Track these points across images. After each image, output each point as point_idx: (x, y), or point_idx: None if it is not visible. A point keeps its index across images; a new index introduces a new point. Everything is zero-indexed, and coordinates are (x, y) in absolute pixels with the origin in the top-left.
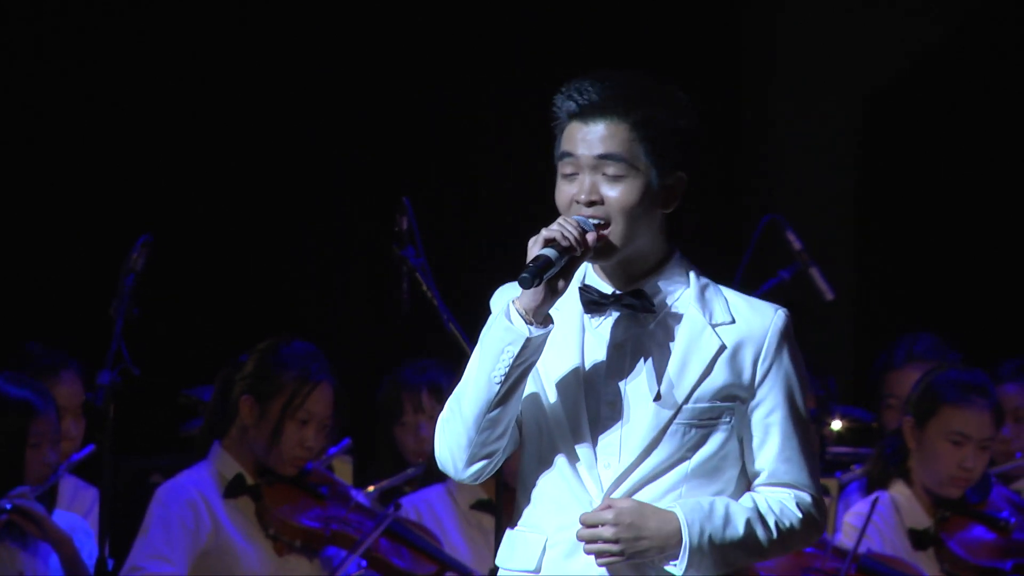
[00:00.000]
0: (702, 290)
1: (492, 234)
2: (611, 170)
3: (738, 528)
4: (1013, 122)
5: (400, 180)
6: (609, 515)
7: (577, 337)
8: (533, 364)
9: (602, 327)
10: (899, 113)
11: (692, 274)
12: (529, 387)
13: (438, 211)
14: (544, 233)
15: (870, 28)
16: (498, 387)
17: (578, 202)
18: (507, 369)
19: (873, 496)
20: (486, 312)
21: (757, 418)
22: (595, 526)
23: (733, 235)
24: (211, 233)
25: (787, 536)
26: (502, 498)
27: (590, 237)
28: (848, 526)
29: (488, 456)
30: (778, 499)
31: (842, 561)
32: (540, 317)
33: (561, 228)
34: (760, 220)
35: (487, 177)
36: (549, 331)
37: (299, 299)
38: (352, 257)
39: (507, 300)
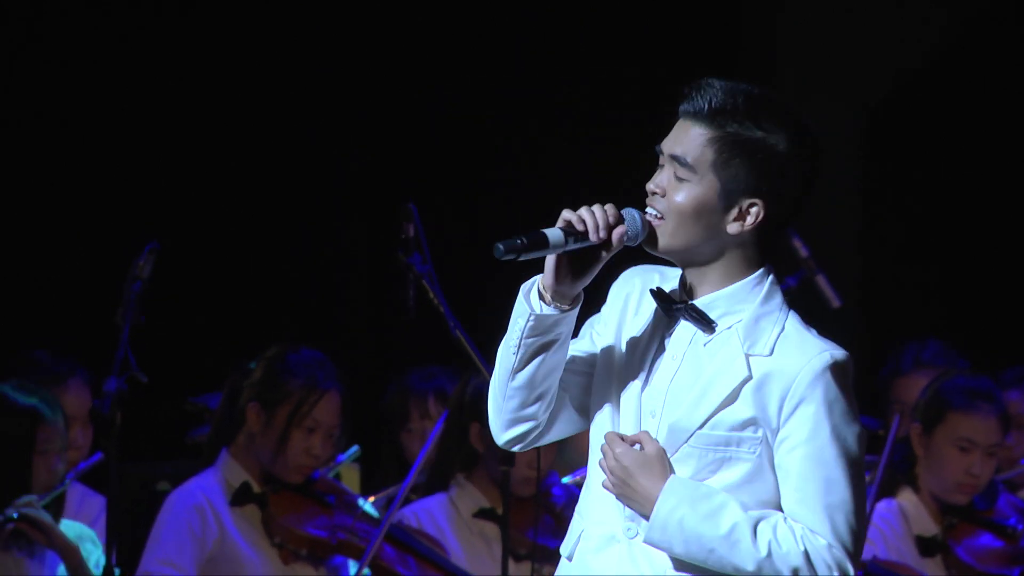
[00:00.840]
0: (758, 317)
1: (499, 240)
2: (679, 170)
3: (719, 526)
4: (1016, 129)
5: (406, 186)
6: (619, 448)
7: (654, 335)
8: (553, 342)
9: (673, 331)
10: (903, 120)
11: (761, 298)
12: (601, 378)
13: (444, 217)
14: (564, 213)
15: (872, 37)
16: (513, 356)
17: (648, 189)
18: (519, 340)
19: (879, 503)
20: (499, 316)
21: (779, 457)
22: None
23: None
24: (217, 240)
25: (780, 562)
26: (508, 509)
27: (617, 232)
28: None
29: (523, 422)
30: (789, 527)
31: None
32: (562, 297)
33: (584, 213)
34: None
35: (493, 183)
36: (567, 314)
37: (305, 306)
38: (358, 264)
39: (630, 282)
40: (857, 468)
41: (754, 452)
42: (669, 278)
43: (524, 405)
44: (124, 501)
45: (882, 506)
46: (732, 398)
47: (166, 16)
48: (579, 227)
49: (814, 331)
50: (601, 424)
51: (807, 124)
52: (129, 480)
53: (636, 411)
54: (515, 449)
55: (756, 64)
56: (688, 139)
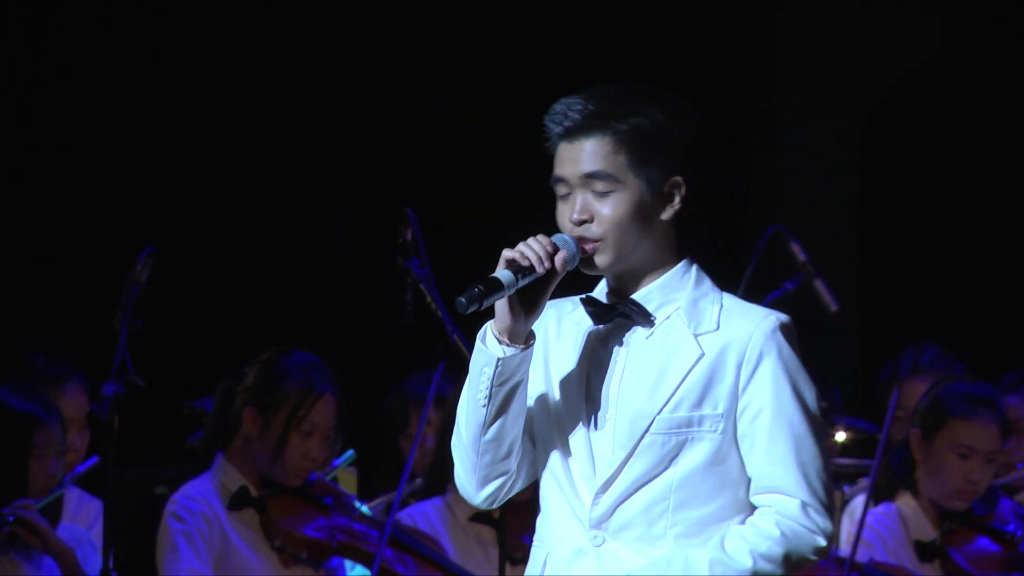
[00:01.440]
0: (696, 300)
1: (497, 245)
2: (599, 186)
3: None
4: (1015, 133)
5: (404, 191)
6: None
7: (583, 349)
8: (519, 383)
9: (605, 338)
10: (901, 124)
11: (692, 282)
12: (541, 400)
13: (442, 222)
14: (505, 253)
15: (871, 41)
16: (483, 410)
17: (571, 221)
18: (488, 391)
19: (873, 506)
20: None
21: (744, 424)
22: None
23: (737, 247)
24: (215, 244)
25: (767, 561)
26: (505, 513)
27: (559, 258)
28: (852, 537)
29: (499, 477)
30: (754, 525)
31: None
32: (516, 337)
33: (523, 249)
34: (764, 232)
35: (492, 187)
36: (527, 351)
37: (303, 310)
38: (356, 268)
39: (544, 315)
40: (818, 424)
41: (715, 429)
42: (578, 302)
43: (497, 459)
44: (121, 505)
45: (880, 510)
46: (689, 378)
47: (166, 19)
48: (524, 263)
49: (752, 304)
50: (548, 451)
51: (677, 95)
52: (126, 484)
53: (583, 423)
54: (492, 507)
55: (756, 68)
56: (592, 154)
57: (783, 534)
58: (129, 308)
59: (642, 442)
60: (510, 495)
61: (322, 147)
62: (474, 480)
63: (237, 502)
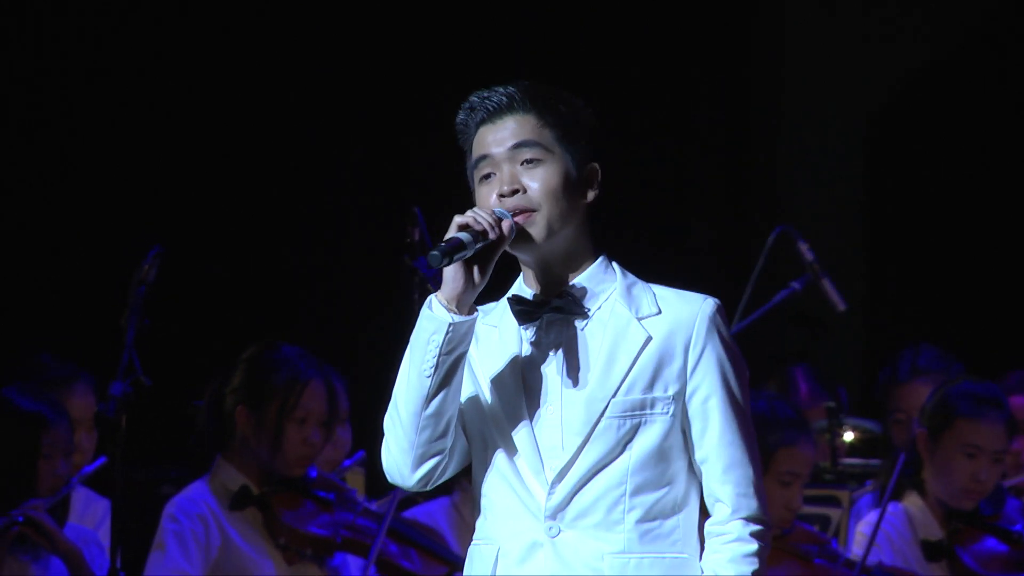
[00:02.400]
0: (629, 287)
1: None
2: (527, 154)
3: None
4: (1017, 136)
5: (412, 191)
6: None
7: (515, 347)
8: (462, 355)
9: (537, 335)
10: (905, 126)
11: (619, 273)
12: (471, 400)
13: (449, 222)
14: (457, 219)
15: (876, 44)
16: (428, 380)
17: (501, 195)
18: (435, 360)
19: (883, 506)
20: None
21: (695, 405)
22: None
23: (745, 246)
24: (222, 244)
25: (762, 571)
26: None
27: (506, 224)
28: (860, 536)
29: (434, 456)
30: (735, 557)
31: (851, 572)
32: (463, 307)
33: (475, 214)
34: (771, 231)
35: None
36: (474, 319)
37: (310, 310)
38: (364, 268)
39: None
40: (748, 400)
41: (667, 411)
42: (490, 308)
43: (434, 436)
44: (128, 505)
45: (888, 510)
46: (640, 361)
47: (168, 20)
48: (477, 227)
49: (679, 289)
50: (485, 451)
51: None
52: (133, 484)
53: (524, 417)
54: (424, 488)
55: (762, 68)
56: (521, 128)
57: (758, 544)
58: (136, 308)
59: (598, 426)
60: (443, 478)
61: (330, 147)
62: (410, 460)
63: (239, 502)
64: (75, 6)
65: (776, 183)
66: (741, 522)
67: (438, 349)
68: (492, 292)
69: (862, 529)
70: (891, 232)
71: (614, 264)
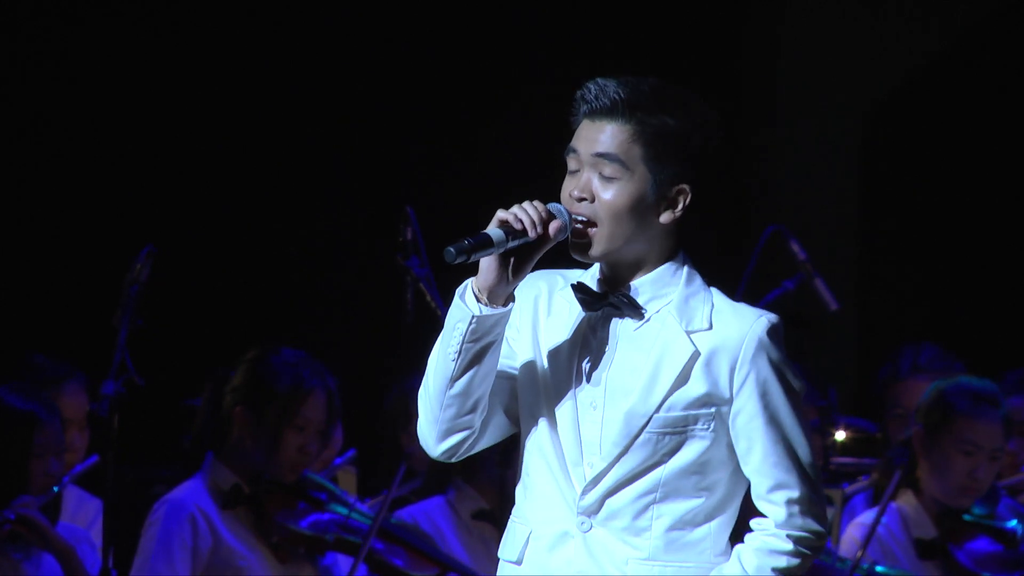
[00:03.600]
0: (688, 297)
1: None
2: (607, 170)
3: None
4: (1013, 134)
5: (404, 190)
6: None
7: (578, 330)
8: (492, 343)
9: (596, 325)
10: (900, 125)
11: (684, 279)
12: (528, 371)
13: (442, 221)
14: (499, 213)
15: (871, 42)
16: (452, 364)
17: (572, 196)
18: (459, 346)
19: (881, 508)
20: None
21: (740, 425)
22: None
23: (737, 246)
24: (214, 244)
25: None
26: (507, 511)
27: (553, 226)
28: (851, 537)
29: (459, 431)
30: (764, 548)
31: (844, 570)
32: (496, 298)
33: (517, 211)
34: (764, 231)
35: (492, 186)
36: (504, 312)
37: (303, 309)
38: (356, 267)
39: (535, 286)
40: (805, 421)
41: (708, 427)
42: (573, 278)
43: (461, 413)
44: (120, 505)
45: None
46: (684, 377)
47: (163, 18)
48: (517, 225)
49: (741, 303)
50: (534, 426)
51: (707, 105)
52: (126, 483)
53: (572, 407)
54: (451, 460)
55: (756, 67)
56: (610, 137)
57: (795, 546)
58: (129, 307)
59: (637, 440)
60: (470, 452)
61: (322, 146)
62: (435, 432)
63: (231, 500)
64: (69, 6)
65: (769, 182)
66: (785, 531)
67: (462, 337)
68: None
69: (854, 532)
70: (884, 232)
71: (684, 269)
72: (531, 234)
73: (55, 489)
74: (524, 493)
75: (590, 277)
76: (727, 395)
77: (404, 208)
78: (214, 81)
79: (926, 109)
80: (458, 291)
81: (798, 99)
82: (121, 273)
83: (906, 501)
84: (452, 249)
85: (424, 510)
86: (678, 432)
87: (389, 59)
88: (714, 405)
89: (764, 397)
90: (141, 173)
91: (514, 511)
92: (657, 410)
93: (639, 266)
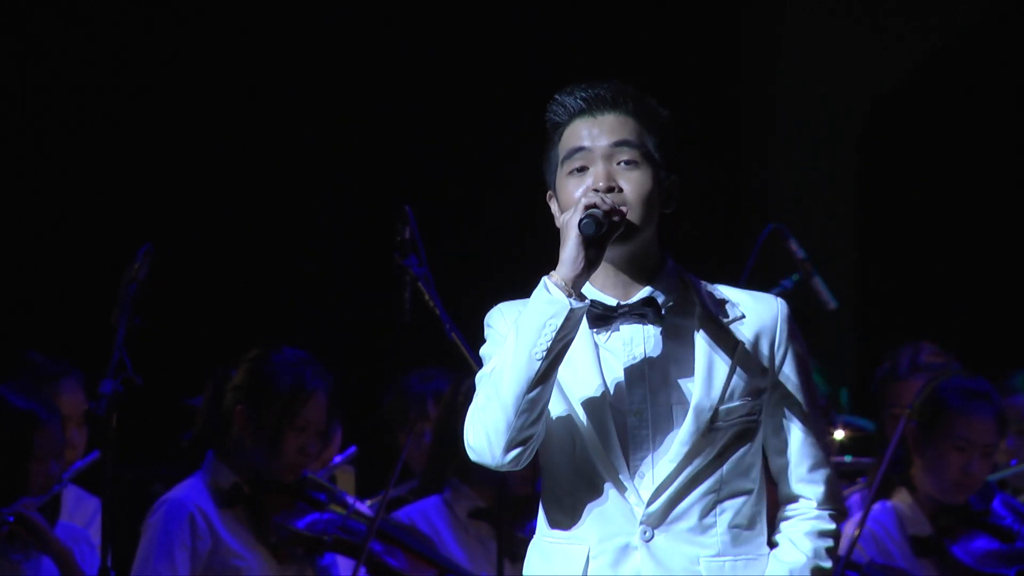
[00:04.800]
0: (706, 292)
1: (495, 243)
2: (627, 155)
3: None
4: (1013, 131)
5: (402, 189)
6: None
7: (591, 353)
8: (571, 341)
9: (611, 340)
10: (898, 124)
11: (691, 278)
12: (556, 404)
13: (440, 220)
14: (584, 200)
15: (869, 42)
16: (539, 363)
17: (596, 191)
18: (550, 343)
19: (868, 503)
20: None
21: (775, 403)
22: None
23: (735, 244)
24: (213, 242)
25: (836, 556)
26: (504, 509)
27: (621, 211)
28: (850, 535)
29: (525, 441)
30: (814, 530)
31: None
32: (578, 290)
33: (600, 198)
34: (762, 229)
35: (490, 185)
36: (587, 305)
37: (301, 308)
38: (354, 266)
39: (506, 317)
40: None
41: (760, 414)
42: None
43: (531, 420)
44: (119, 503)
45: (877, 507)
46: (735, 368)
47: (163, 19)
48: (604, 207)
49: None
50: (567, 445)
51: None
52: (124, 482)
53: (610, 420)
54: (515, 468)
55: (755, 64)
56: (622, 125)
57: (835, 526)
58: (127, 306)
59: (705, 436)
60: (528, 461)
61: (320, 145)
62: (504, 441)
63: (230, 500)
64: (69, 6)
65: (767, 181)
66: (826, 511)
67: (555, 332)
68: (516, 292)
69: (848, 530)
70: (882, 231)
71: (679, 266)
72: (616, 216)
73: (55, 488)
74: (565, 513)
75: (592, 291)
76: (771, 376)
77: (402, 207)
78: (214, 81)
79: (925, 108)
80: (540, 288)
81: (797, 98)
82: (119, 271)
83: (901, 499)
84: (589, 220)
85: (421, 510)
86: (738, 423)
87: (389, 59)
88: (764, 391)
89: (800, 376)
90: (140, 172)
91: (550, 532)
92: (721, 401)
93: (642, 267)
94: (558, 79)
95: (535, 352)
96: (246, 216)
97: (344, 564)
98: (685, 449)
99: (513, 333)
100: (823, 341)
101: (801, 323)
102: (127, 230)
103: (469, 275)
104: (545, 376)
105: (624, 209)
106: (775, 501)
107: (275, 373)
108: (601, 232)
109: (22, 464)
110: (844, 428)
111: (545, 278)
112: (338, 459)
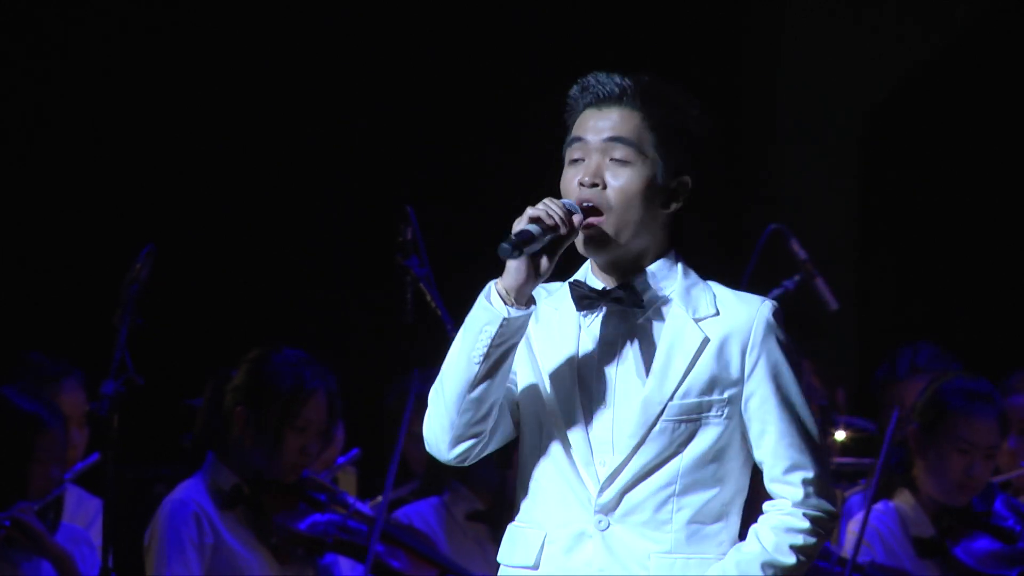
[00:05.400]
0: (689, 287)
1: (496, 243)
2: (619, 153)
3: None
4: (1013, 134)
5: (404, 189)
6: None
7: (573, 333)
8: (515, 345)
9: (594, 324)
10: (900, 125)
11: (681, 272)
12: (527, 381)
13: (442, 221)
14: (529, 211)
15: (870, 43)
16: (476, 367)
17: (581, 184)
18: (485, 349)
19: (869, 502)
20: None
21: (753, 409)
22: None
23: (737, 245)
24: (214, 243)
25: (805, 554)
26: (501, 512)
27: (576, 219)
28: (851, 534)
29: (472, 437)
30: (781, 526)
31: (844, 570)
32: (522, 298)
33: (546, 207)
34: (764, 230)
35: (491, 185)
36: (529, 313)
37: (302, 309)
38: (356, 267)
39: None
40: (809, 399)
41: (721, 414)
42: (552, 289)
43: (476, 419)
44: (120, 504)
45: (879, 508)
46: (696, 363)
47: (163, 19)
48: (548, 221)
49: (739, 291)
50: (538, 430)
51: (698, 99)
52: (126, 483)
53: (579, 407)
54: (462, 465)
55: (757, 66)
56: (622, 121)
57: (811, 525)
58: (129, 306)
59: (653, 429)
60: (480, 456)
61: (321, 145)
62: (448, 438)
63: (231, 501)
64: (69, 6)
65: (769, 182)
66: (800, 511)
67: (489, 340)
68: (560, 274)
69: (852, 528)
70: (885, 231)
71: (680, 264)
72: (562, 230)
73: (56, 491)
74: (530, 497)
75: (582, 274)
76: (739, 379)
77: (404, 208)
78: (214, 81)
79: (926, 109)
80: (483, 293)
81: (798, 99)
82: (121, 272)
83: (904, 500)
84: (507, 245)
85: (418, 510)
86: (693, 419)
87: (389, 59)
88: (727, 390)
89: (776, 379)
90: (141, 172)
91: (518, 516)
92: (672, 398)
93: (639, 260)
94: (558, 80)
95: (473, 356)
96: (247, 217)
97: (345, 564)
98: (633, 441)
99: (460, 332)
100: (824, 342)
101: (801, 324)
102: (129, 231)
103: (470, 275)
104: (486, 377)
105: (596, 220)
106: None
107: (275, 374)
108: (521, 254)
109: (21, 467)
110: (845, 429)
111: (492, 283)
112: (342, 460)
